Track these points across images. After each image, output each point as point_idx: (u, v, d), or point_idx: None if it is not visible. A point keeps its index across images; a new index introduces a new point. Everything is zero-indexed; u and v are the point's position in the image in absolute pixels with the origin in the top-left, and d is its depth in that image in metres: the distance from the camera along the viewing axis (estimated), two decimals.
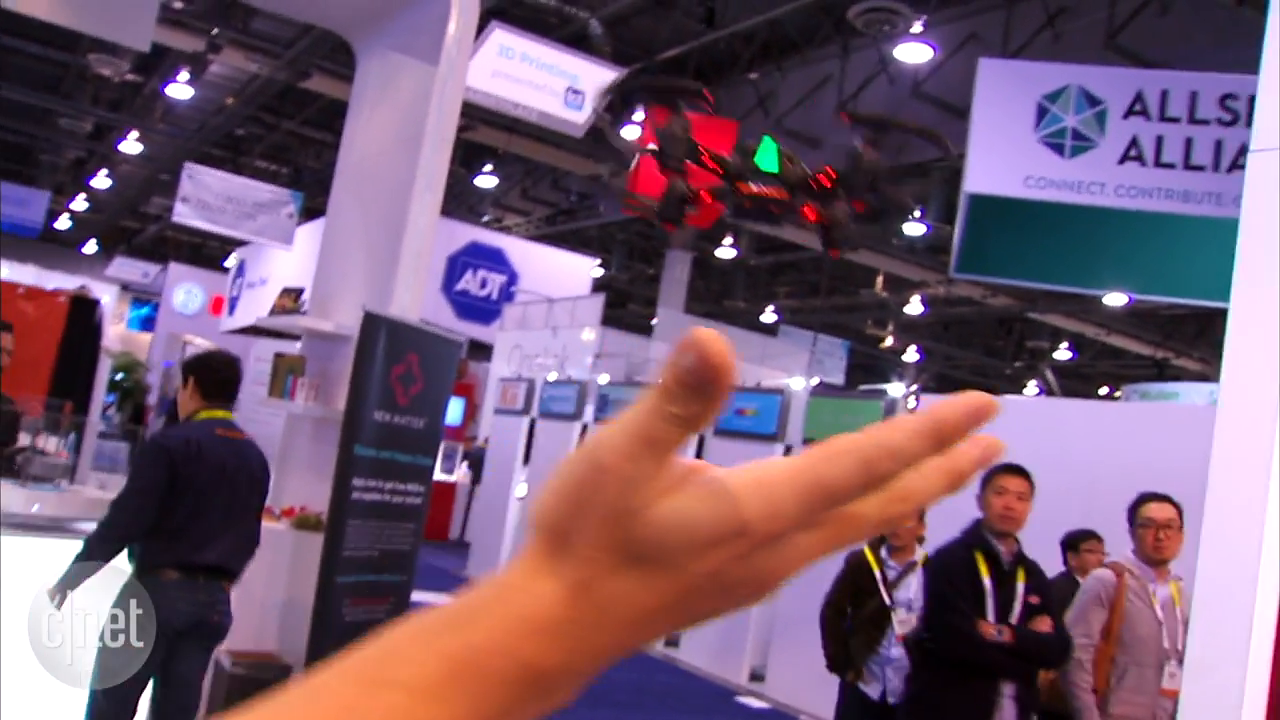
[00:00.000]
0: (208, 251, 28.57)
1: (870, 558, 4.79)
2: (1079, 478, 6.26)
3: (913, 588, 4.68)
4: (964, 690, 4.04)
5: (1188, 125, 8.83)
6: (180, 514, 3.83)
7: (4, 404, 4.67)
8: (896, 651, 4.64)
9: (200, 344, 21.66)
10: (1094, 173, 9.05)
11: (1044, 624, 4.03)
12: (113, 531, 3.74)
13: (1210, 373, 21.55)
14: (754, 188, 2.05)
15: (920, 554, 4.81)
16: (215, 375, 4.07)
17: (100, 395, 9.99)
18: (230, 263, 26.07)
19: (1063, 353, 23.80)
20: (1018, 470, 4.08)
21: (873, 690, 4.69)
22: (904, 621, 4.64)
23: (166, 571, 3.80)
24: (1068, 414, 6.91)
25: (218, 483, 3.91)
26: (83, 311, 9.40)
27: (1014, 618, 4.01)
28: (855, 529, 0.43)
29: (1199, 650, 2.79)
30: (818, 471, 0.41)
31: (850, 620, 4.80)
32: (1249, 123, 7.03)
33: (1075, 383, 25.24)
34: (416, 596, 7.94)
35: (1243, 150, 8.35)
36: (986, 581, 4.03)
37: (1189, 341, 21.87)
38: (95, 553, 3.67)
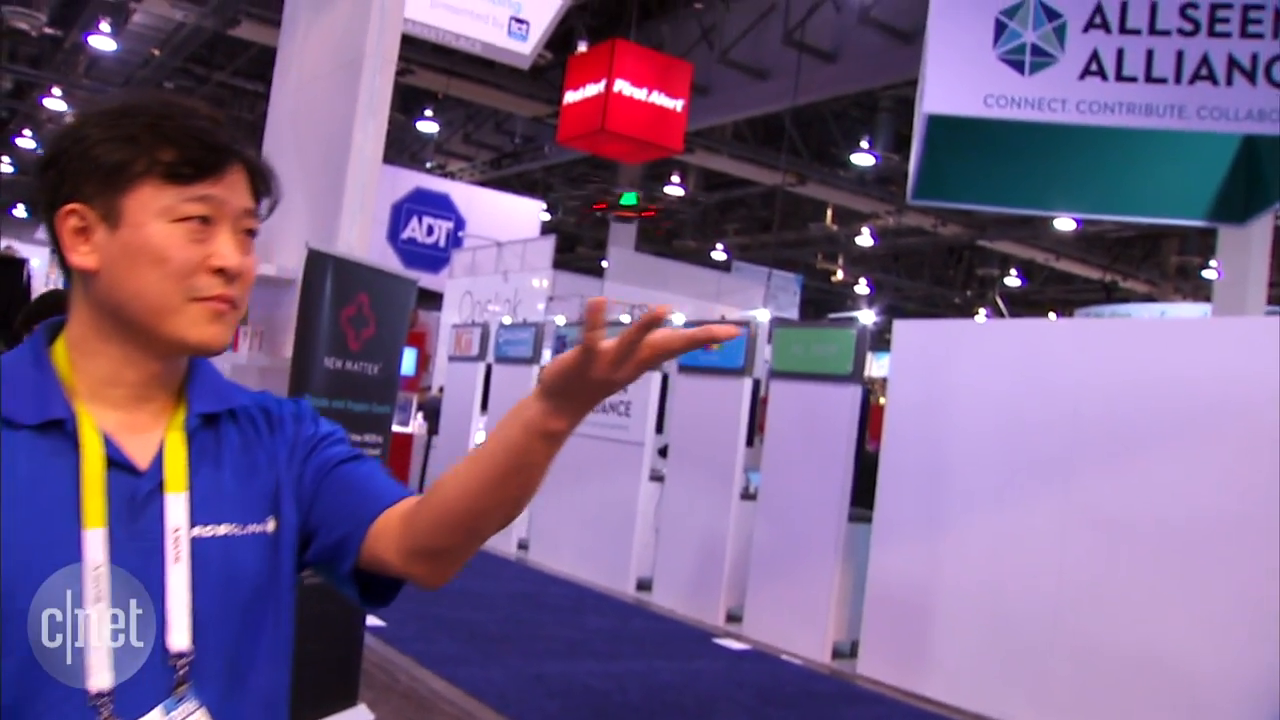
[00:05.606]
0: None
1: None
2: (1062, 399, 6.10)
3: None
4: None
5: (1148, 37, 8.60)
6: None
7: None
8: None
9: None
10: (1054, 89, 8.78)
11: None
12: None
13: (1158, 294, 21.71)
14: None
15: None
16: None
17: None
18: None
19: (1012, 279, 23.83)
20: None
21: None
22: None
23: None
24: (1045, 334, 6.70)
25: None
26: (9, 272, 8.95)
27: None
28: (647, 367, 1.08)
29: None
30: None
31: None
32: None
33: (1025, 309, 25.33)
34: None
35: (1204, 61, 8.20)
36: None
37: (1136, 264, 22.01)
38: None
